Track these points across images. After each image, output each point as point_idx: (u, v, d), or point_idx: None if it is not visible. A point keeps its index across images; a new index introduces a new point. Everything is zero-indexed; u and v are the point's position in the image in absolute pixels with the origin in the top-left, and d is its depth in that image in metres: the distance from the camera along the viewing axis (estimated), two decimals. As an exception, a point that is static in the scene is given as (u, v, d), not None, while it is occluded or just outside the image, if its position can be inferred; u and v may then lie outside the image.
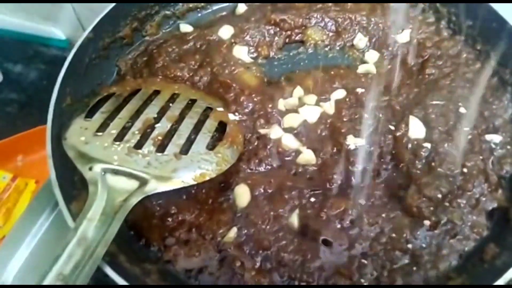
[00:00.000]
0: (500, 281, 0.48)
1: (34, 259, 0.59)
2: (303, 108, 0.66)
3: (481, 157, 0.59)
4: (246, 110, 0.65)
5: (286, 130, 0.64)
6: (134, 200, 0.50)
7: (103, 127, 0.58)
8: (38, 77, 1.19)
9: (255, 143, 0.63)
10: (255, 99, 0.66)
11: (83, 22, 1.17)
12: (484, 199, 0.56)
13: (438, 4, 0.73)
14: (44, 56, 1.22)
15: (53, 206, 0.61)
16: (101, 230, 0.46)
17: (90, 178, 0.51)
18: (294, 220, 0.56)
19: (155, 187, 0.52)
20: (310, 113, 0.66)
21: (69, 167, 0.54)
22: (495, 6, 0.66)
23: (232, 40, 0.73)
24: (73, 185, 0.55)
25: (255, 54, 0.74)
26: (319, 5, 0.76)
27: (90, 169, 0.52)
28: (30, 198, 0.94)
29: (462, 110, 0.63)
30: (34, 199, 0.64)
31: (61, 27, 1.22)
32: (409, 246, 0.54)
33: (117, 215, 0.49)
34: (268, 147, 0.62)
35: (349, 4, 0.76)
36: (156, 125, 0.59)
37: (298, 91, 0.69)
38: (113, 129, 0.57)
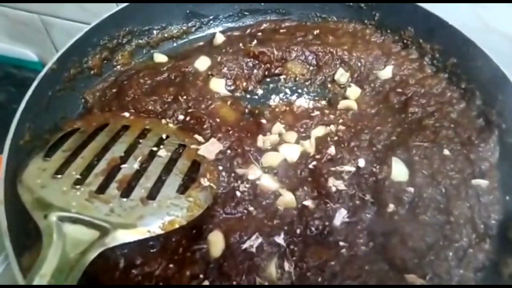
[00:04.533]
0: None
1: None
2: (283, 146, 0.63)
3: (468, 204, 0.56)
4: (223, 148, 0.61)
5: (265, 170, 0.61)
6: (93, 254, 0.46)
7: (63, 167, 0.53)
8: (7, 100, 1.15)
9: (232, 185, 0.59)
10: (232, 137, 0.62)
11: (56, 44, 1.14)
12: (471, 250, 0.53)
13: (421, 40, 0.72)
14: (14, 78, 1.18)
15: (3, 258, 0.55)
16: (54, 289, 0.42)
17: (45, 228, 0.47)
18: (272, 271, 0.52)
19: (117, 238, 0.48)
20: (290, 151, 0.63)
21: (23, 212, 0.49)
22: (480, 44, 0.64)
23: (209, 72, 0.70)
24: (27, 233, 0.50)
25: (233, 87, 0.71)
26: (300, 38, 0.74)
27: (45, 217, 0.48)
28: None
29: (446, 152, 0.60)
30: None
31: (34, 48, 1.17)
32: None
33: (73, 271, 0.44)
34: (246, 189, 0.58)
35: (330, 37, 0.74)
36: (123, 166, 0.55)
37: (278, 127, 0.65)
38: (74, 171, 0.53)
